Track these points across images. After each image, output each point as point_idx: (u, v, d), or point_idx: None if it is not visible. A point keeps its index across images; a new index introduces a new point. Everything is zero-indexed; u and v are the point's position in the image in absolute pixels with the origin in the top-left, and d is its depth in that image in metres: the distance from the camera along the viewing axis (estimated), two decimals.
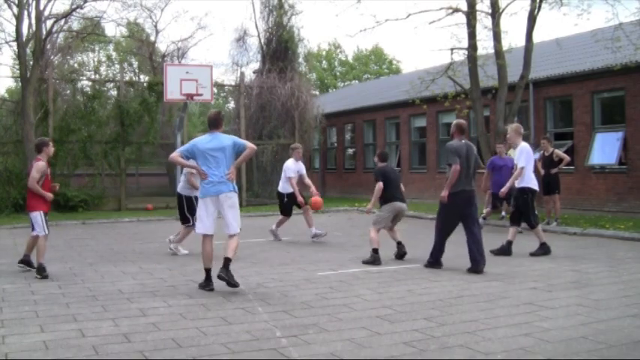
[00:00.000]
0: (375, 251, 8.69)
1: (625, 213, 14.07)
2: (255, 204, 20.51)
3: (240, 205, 22.66)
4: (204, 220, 6.74)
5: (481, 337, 4.82)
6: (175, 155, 6.92)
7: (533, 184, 9.30)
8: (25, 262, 8.16)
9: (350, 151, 26.53)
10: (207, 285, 6.81)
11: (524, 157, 9.12)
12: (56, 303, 6.19)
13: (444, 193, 7.91)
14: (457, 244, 9.43)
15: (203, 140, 6.85)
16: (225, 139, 6.82)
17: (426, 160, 21.24)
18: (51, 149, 8.13)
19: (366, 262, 8.64)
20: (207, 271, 6.83)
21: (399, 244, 9.11)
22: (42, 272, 7.62)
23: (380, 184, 9.02)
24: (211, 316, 5.63)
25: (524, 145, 9.27)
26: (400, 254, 9.03)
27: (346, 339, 4.83)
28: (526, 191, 9.18)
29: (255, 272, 7.94)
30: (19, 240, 11.75)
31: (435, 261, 8.19)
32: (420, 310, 5.79)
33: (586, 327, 5.10)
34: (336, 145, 26.87)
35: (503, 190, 9.66)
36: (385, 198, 9.07)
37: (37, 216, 7.78)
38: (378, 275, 7.66)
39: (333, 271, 7.97)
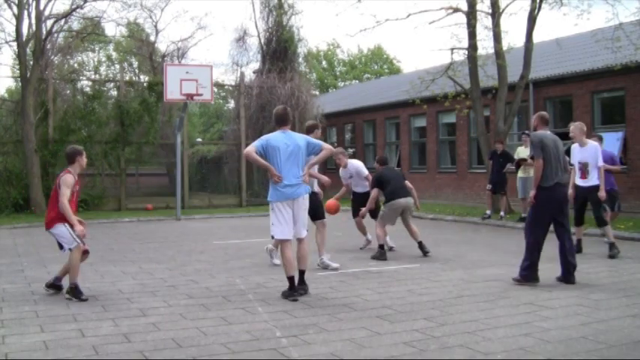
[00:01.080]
0: (382, 247, 8.94)
1: (625, 213, 14.05)
2: (255, 204, 20.52)
3: (240, 205, 22.72)
4: (284, 224, 6.25)
5: (481, 337, 4.82)
6: (250, 151, 6.27)
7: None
8: (55, 286, 6.66)
9: (350, 151, 26.52)
10: (291, 294, 6.21)
11: (600, 154, 9.11)
12: (56, 303, 6.19)
13: (533, 193, 7.04)
14: (458, 243, 9.43)
15: (277, 138, 6.35)
16: (299, 138, 6.45)
17: (426, 160, 21.23)
18: (84, 160, 6.78)
19: (373, 258, 8.88)
20: (291, 279, 6.26)
21: (420, 243, 9.22)
22: (78, 295, 6.30)
23: (374, 191, 9.45)
24: (211, 316, 5.63)
25: (593, 143, 9.21)
26: (424, 252, 9.13)
27: (346, 339, 4.83)
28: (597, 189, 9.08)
29: (255, 272, 7.94)
30: (19, 240, 11.76)
31: (529, 274, 6.89)
32: (420, 310, 5.79)
33: (586, 327, 5.10)
34: (336, 145, 26.84)
35: (602, 193, 9.13)
36: (387, 197, 9.29)
37: (62, 228, 6.41)
38: (378, 275, 7.66)
39: (333, 271, 7.96)
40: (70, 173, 6.55)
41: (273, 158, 6.27)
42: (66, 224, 6.39)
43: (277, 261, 8.11)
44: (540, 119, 7.37)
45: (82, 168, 6.77)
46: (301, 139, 6.48)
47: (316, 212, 7.85)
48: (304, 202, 6.41)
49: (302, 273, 6.42)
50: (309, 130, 8.08)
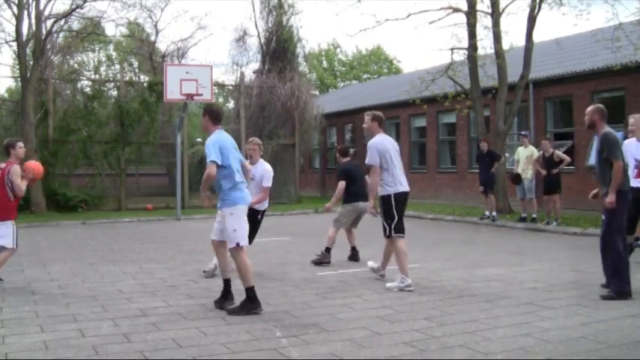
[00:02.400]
0: (328, 250, 8.54)
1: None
2: None
3: None
4: (245, 228, 5.85)
5: (481, 337, 4.82)
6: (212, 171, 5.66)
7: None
8: None
9: (350, 151, 26.52)
10: (254, 307, 5.68)
11: None
12: (56, 303, 6.19)
13: (611, 197, 6.17)
14: (458, 243, 9.43)
15: (225, 138, 5.86)
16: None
17: (426, 160, 21.24)
18: (20, 151, 7.15)
19: (314, 262, 8.45)
20: (252, 289, 5.75)
21: (354, 249, 8.93)
22: None
23: (342, 184, 8.71)
24: (211, 316, 5.63)
25: None
26: (353, 258, 8.85)
27: (346, 339, 4.83)
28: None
29: (255, 272, 7.91)
30: (19, 240, 11.73)
31: (624, 286, 6.18)
32: (420, 310, 5.79)
33: (586, 327, 5.10)
34: (336, 145, 26.86)
35: None
36: (348, 196, 8.75)
37: (11, 227, 7.05)
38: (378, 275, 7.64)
39: (333, 271, 7.96)
40: (14, 164, 7.02)
41: (228, 160, 5.74)
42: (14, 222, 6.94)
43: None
44: (601, 113, 6.39)
45: (19, 158, 7.14)
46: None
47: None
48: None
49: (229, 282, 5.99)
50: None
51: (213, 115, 5.98)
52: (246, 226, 5.83)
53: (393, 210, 6.65)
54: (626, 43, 13.52)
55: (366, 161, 6.73)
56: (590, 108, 6.52)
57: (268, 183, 7.68)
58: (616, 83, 14.88)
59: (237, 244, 5.72)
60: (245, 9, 72.53)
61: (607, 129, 6.34)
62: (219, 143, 5.70)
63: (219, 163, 5.62)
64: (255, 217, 7.25)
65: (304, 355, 4.46)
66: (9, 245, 6.98)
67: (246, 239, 5.85)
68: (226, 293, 5.93)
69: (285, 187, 21.12)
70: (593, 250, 9.67)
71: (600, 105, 6.54)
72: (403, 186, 6.79)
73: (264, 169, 7.77)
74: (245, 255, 5.76)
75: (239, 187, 5.78)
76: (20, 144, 7.22)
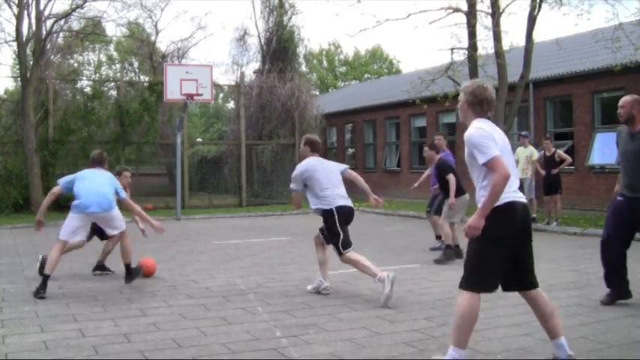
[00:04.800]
0: (449, 247, 8.61)
1: None
2: (255, 204, 20.52)
3: (240, 205, 22.70)
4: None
5: (481, 337, 4.81)
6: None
7: None
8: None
9: (350, 151, 26.53)
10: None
11: None
12: (56, 303, 6.19)
13: None
14: (459, 242, 9.42)
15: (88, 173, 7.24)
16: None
17: (427, 160, 21.24)
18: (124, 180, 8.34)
19: (437, 262, 8.40)
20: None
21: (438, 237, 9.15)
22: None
23: (453, 178, 8.60)
24: (211, 316, 5.63)
25: None
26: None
27: (346, 339, 4.83)
28: None
29: (255, 272, 7.94)
30: (19, 240, 11.75)
31: None
32: (420, 310, 5.79)
33: (586, 327, 5.10)
34: (336, 145, 26.86)
35: None
36: (457, 190, 8.69)
37: None
38: None
39: (333, 271, 7.95)
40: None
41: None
42: None
43: None
44: None
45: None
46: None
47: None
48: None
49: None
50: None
51: None
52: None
53: (337, 226, 6.45)
54: (627, 43, 13.52)
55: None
56: (627, 99, 5.84)
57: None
58: (616, 83, 14.87)
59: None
60: (245, 9, 72.70)
61: None
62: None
63: None
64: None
65: (304, 355, 4.46)
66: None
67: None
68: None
69: (285, 187, 21.12)
70: (594, 250, 9.67)
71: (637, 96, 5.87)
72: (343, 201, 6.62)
73: None
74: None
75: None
76: (127, 173, 8.57)
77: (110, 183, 7.16)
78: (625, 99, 5.86)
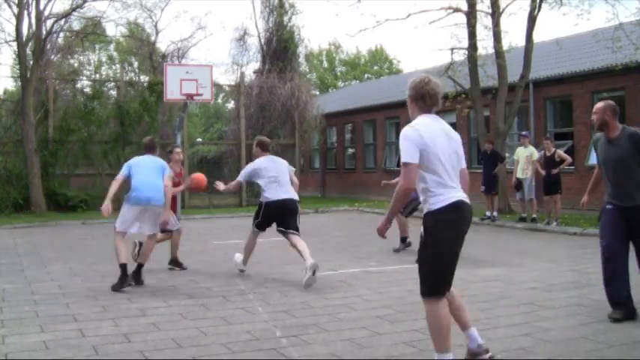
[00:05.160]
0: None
1: None
2: (255, 204, 20.45)
3: (240, 205, 22.66)
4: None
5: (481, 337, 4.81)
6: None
7: None
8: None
9: (350, 151, 26.53)
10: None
11: None
12: (56, 303, 6.19)
13: None
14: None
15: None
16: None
17: None
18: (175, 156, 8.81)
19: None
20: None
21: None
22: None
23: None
24: (211, 316, 5.63)
25: None
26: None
27: (346, 339, 4.83)
28: None
29: (255, 272, 7.94)
30: (19, 240, 11.75)
31: None
32: (420, 310, 5.75)
33: (586, 327, 5.10)
34: (336, 145, 26.87)
35: None
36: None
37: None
38: (378, 275, 7.66)
39: (333, 271, 7.96)
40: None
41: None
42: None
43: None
44: (613, 111, 5.59)
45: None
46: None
47: None
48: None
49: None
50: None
51: None
52: None
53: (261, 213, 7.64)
54: (627, 43, 13.52)
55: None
56: (599, 105, 5.64)
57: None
58: (616, 83, 14.88)
59: None
60: (245, 9, 72.57)
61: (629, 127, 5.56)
62: None
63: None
64: None
65: (304, 355, 4.46)
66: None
67: None
68: None
69: None
70: (594, 250, 9.67)
71: (611, 101, 5.71)
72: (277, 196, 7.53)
73: None
74: None
75: None
76: (177, 149, 8.99)
77: (161, 173, 7.30)
78: (597, 105, 5.67)
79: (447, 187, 3.88)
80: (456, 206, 3.90)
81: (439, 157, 3.86)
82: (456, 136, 4.13)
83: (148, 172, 7.14)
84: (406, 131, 3.92)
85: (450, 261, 3.92)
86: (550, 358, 4.31)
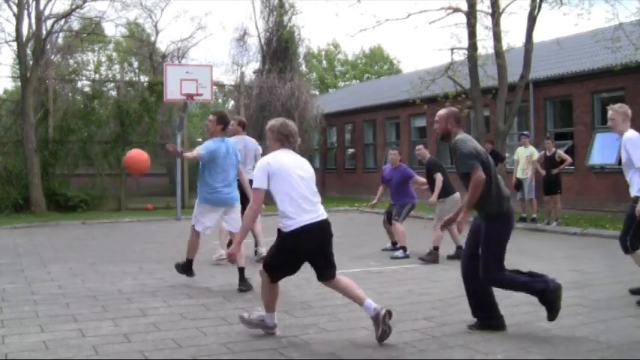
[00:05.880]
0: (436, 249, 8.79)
1: (625, 213, 14.05)
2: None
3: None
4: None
5: (481, 337, 4.81)
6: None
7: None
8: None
9: (350, 151, 26.53)
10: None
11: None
12: (56, 303, 6.19)
13: None
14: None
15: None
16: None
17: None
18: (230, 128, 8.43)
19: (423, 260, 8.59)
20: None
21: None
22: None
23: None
24: (211, 316, 5.62)
25: (628, 134, 6.12)
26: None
27: (346, 339, 4.83)
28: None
29: (255, 272, 7.92)
30: (19, 240, 11.75)
31: None
32: (420, 310, 5.79)
33: (586, 327, 5.10)
34: (336, 145, 26.86)
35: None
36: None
37: None
38: (378, 275, 7.65)
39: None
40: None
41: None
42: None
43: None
44: (455, 118, 5.13)
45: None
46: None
47: None
48: None
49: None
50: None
51: None
52: None
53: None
54: (627, 43, 13.52)
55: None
56: (441, 112, 5.12)
57: None
58: (616, 83, 14.88)
59: None
60: (245, 9, 72.64)
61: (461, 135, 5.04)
62: None
63: None
64: None
65: (304, 355, 4.46)
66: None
67: None
68: None
69: None
70: (594, 250, 9.68)
71: (453, 108, 5.29)
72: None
73: None
74: None
75: None
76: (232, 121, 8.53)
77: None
78: (439, 113, 5.14)
79: (302, 210, 4.76)
80: (302, 230, 4.71)
81: (287, 180, 4.76)
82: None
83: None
84: (259, 162, 4.90)
85: (289, 268, 4.96)
86: (550, 358, 4.31)
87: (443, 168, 9.13)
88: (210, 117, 7.44)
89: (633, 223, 6.18)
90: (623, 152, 6.14)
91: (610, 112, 6.24)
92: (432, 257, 8.59)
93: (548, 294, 4.91)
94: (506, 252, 4.95)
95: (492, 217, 4.92)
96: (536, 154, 13.21)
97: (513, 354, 4.43)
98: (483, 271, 4.89)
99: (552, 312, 4.92)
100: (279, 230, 4.76)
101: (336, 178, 26.16)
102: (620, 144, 6.20)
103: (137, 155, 7.12)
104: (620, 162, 14.80)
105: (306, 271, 8.10)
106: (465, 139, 4.98)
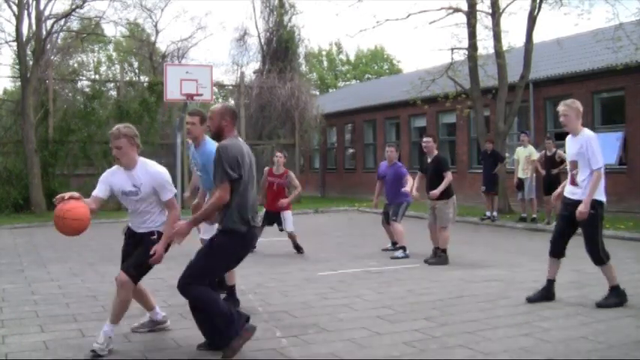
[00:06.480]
0: (444, 251, 8.67)
1: (625, 213, 14.05)
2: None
3: None
4: None
5: (481, 337, 4.81)
6: None
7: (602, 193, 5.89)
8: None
9: (350, 151, 26.53)
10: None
11: (599, 152, 5.87)
12: (56, 303, 6.19)
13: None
14: (458, 243, 9.43)
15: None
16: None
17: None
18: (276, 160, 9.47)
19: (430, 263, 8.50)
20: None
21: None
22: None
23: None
24: None
25: (589, 134, 6.06)
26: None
27: (346, 339, 4.83)
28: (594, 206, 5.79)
29: (255, 272, 7.93)
30: (19, 240, 11.76)
31: None
32: (420, 310, 5.79)
33: (586, 327, 5.10)
34: (336, 145, 26.86)
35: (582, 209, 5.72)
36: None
37: None
38: (378, 275, 7.65)
39: (333, 271, 7.96)
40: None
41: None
42: None
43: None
44: (232, 116, 4.67)
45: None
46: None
47: None
48: None
49: None
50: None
51: None
52: None
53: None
54: (627, 42, 13.52)
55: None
56: (215, 108, 4.63)
57: None
58: (616, 83, 14.88)
59: None
60: (245, 9, 72.59)
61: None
62: None
63: None
64: None
65: (304, 355, 4.46)
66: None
67: None
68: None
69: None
70: None
71: (229, 104, 4.85)
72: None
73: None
74: None
75: None
76: (279, 154, 9.45)
77: None
78: (213, 108, 4.65)
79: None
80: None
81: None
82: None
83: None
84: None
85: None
86: (550, 358, 4.31)
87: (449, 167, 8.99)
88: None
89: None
90: (575, 148, 6.05)
91: (563, 108, 6.02)
92: (441, 259, 8.48)
93: (223, 341, 4.33)
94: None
95: (225, 231, 4.50)
96: (535, 154, 13.20)
97: (513, 354, 4.43)
98: (183, 277, 4.78)
99: (225, 351, 4.32)
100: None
101: (336, 178, 26.16)
102: (576, 141, 6.14)
103: (76, 208, 4.82)
104: (620, 162, 14.73)
105: (307, 270, 8.12)
106: (234, 145, 4.42)
